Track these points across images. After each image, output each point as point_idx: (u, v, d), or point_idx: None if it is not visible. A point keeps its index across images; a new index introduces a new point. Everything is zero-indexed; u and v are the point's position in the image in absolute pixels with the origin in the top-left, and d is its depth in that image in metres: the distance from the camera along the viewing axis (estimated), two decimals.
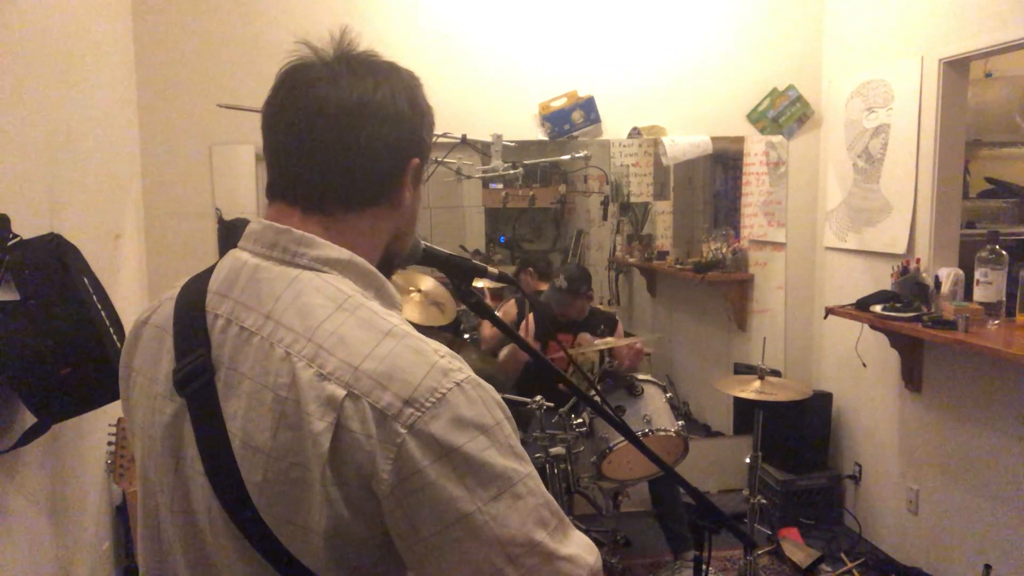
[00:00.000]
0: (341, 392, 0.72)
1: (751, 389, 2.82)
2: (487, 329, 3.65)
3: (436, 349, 0.77)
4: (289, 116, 0.83)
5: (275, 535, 0.74)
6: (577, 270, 3.46)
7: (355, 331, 0.76)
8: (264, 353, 0.76)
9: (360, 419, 0.71)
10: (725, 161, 4.17)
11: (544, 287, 3.80)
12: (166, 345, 0.84)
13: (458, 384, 0.74)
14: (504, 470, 0.73)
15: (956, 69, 3.02)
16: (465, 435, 0.72)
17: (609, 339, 3.16)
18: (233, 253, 0.86)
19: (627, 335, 3.60)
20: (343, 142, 0.82)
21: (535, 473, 0.77)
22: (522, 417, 3.56)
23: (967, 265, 2.95)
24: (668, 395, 2.94)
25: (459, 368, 0.76)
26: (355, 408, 0.72)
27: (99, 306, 1.86)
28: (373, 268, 0.85)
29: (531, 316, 3.47)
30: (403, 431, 0.71)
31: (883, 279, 3.27)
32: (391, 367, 0.73)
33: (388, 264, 0.91)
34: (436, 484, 0.71)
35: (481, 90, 3.60)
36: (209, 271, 0.86)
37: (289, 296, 0.78)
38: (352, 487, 0.72)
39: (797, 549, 3.33)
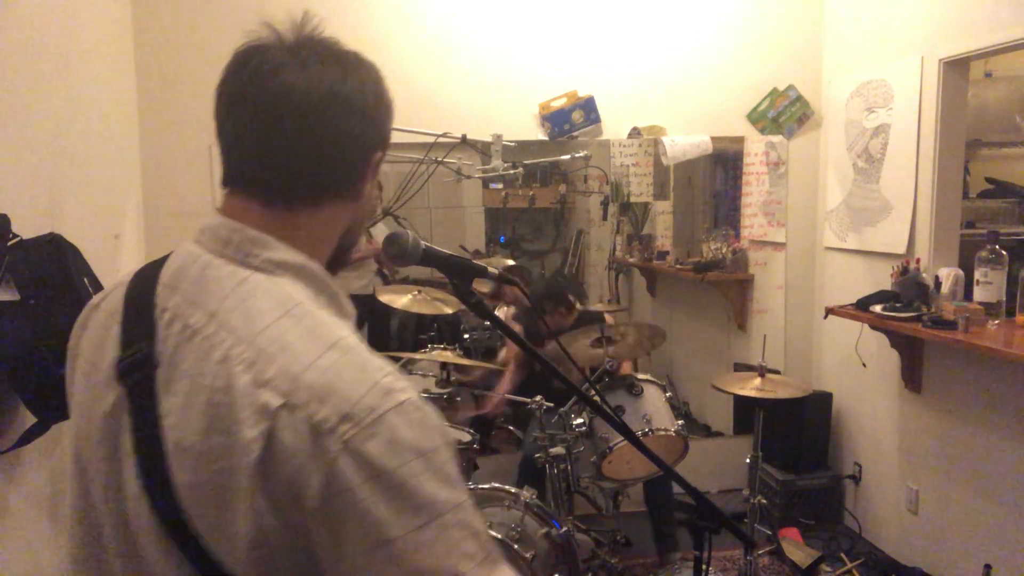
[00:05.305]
0: (277, 401, 0.70)
1: (751, 386, 2.82)
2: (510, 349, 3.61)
3: (381, 367, 0.75)
4: (252, 103, 0.79)
5: (200, 538, 0.72)
6: (545, 288, 3.33)
7: (299, 340, 0.74)
8: (203, 353, 0.75)
9: (294, 431, 0.69)
10: (725, 161, 4.17)
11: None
12: (112, 332, 0.82)
13: (399, 405, 0.72)
14: (435, 498, 0.71)
15: (956, 69, 3.02)
16: (399, 458, 0.70)
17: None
18: (186, 246, 0.84)
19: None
20: (310, 134, 0.79)
21: (469, 503, 0.75)
22: (522, 417, 3.56)
23: (967, 265, 2.95)
24: (668, 395, 2.94)
25: (403, 388, 0.74)
26: (290, 419, 0.70)
27: None
28: (327, 276, 0.83)
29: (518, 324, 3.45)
30: (336, 447, 0.69)
31: (883, 279, 3.27)
32: (332, 381, 0.71)
33: (341, 254, 0.90)
34: (364, 505, 0.69)
35: (481, 90, 3.60)
36: (163, 260, 0.85)
37: (236, 297, 0.77)
38: (280, 498, 0.70)
39: (797, 549, 3.32)
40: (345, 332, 0.77)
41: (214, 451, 0.71)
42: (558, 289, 3.39)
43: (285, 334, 0.74)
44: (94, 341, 0.85)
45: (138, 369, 0.77)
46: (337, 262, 0.89)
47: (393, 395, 0.72)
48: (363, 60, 0.87)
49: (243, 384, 0.71)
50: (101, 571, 0.83)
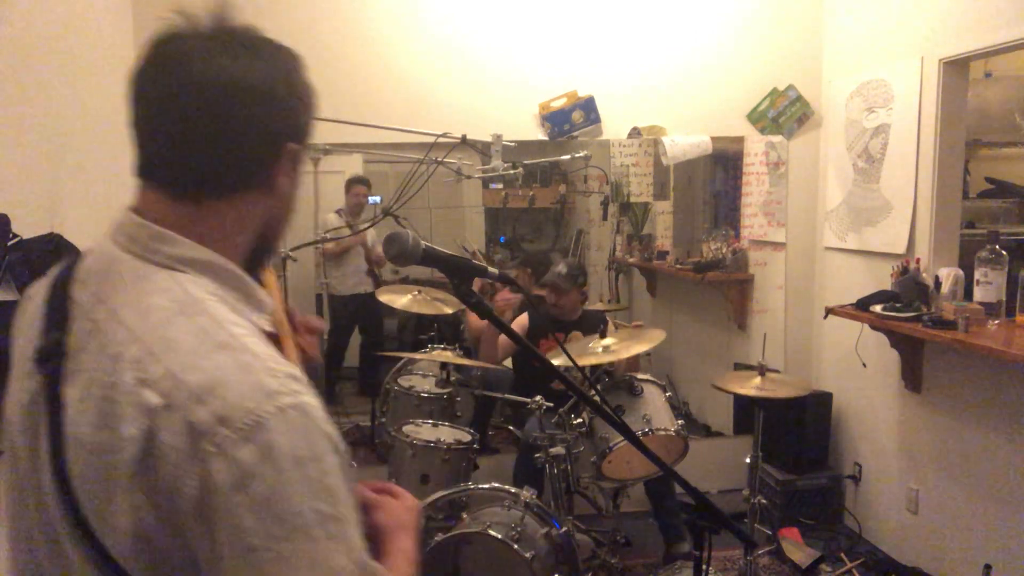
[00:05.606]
0: (157, 401, 0.70)
1: (751, 385, 2.82)
2: (474, 320, 3.67)
3: (271, 368, 0.73)
4: (157, 93, 0.80)
5: (92, 529, 0.74)
6: (577, 263, 3.48)
7: (188, 339, 0.74)
8: (100, 348, 0.76)
9: (172, 431, 0.70)
10: (725, 161, 4.17)
11: (536, 291, 3.81)
12: (37, 322, 0.84)
13: (281, 409, 0.71)
14: (305, 509, 0.70)
15: (956, 69, 3.02)
16: (272, 465, 0.69)
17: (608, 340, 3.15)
18: (101, 241, 0.85)
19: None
20: (214, 125, 0.79)
21: (347, 516, 0.74)
22: (522, 417, 3.57)
23: (967, 265, 2.95)
24: (668, 395, 2.93)
25: (291, 391, 0.72)
26: (169, 419, 0.70)
27: None
28: (237, 270, 0.83)
29: (525, 315, 3.47)
30: (211, 450, 0.68)
31: (883, 279, 3.27)
32: (213, 382, 0.71)
33: (263, 250, 0.90)
34: (231, 511, 0.68)
35: (481, 90, 3.60)
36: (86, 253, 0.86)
37: (135, 294, 0.77)
38: (158, 497, 0.70)
39: (797, 549, 3.33)
40: (242, 331, 0.76)
41: (101, 446, 0.72)
42: (584, 269, 3.53)
43: (176, 333, 0.74)
44: (25, 330, 0.87)
45: (51, 359, 0.78)
46: (259, 256, 0.89)
47: (277, 398, 0.71)
48: (279, 49, 0.85)
49: (128, 381, 0.72)
50: (32, 557, 0.84)
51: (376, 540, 0.90)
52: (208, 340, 0.74)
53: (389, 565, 0.87)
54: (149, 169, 0.83)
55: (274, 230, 0.90)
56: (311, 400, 0.74)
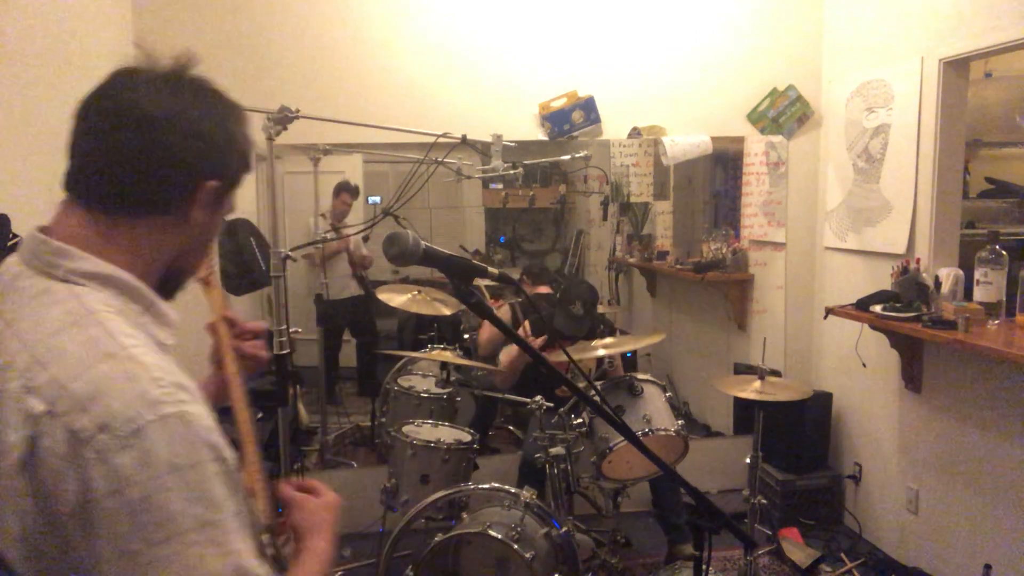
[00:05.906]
0: (41, 408, 0.73)
1: (751, 389, 2.82)
2: (485, 332, 3.66)
3: (157, 378, 0.76)
4: (94, 113, 0.85)
5: None
6: (589, 292, 3.38)
7: (77, 349, 0.76)
8: None
9: (53, 438, 0.72)
10: (725, 161, 4.17)
11: (540, 290, 3.80)
12: None
13: (162, 417, 0.73)
14: (181, 515, 0.73)
15: (956, 69, 3.02)
16: (149, 472, 0.72)
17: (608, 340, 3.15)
18: (9, 257, 0.88)
19: (622, 333, 3.61)
20: (136, 148, 0.83)
21: (228, 522, 0.76)
22: (522, 417, 3.57)
23: (967, 265, 2.95)
24: (668, 395, 2.93)
25: (175, 401, 0.75)
26: (51, 426, 0.72)
27: None
28: (139, 284, 0.86)
29: (527, 323, 3.45)
30: (91, 457, 0.71)
31: (883, 279, 3.27)
32: (97, 390, 0.73)
33: (174, 280, 0.93)
34: (109, 516, 0.71)
35: (481, 90, 3.60)
36: None
37: (33, 307, 0.80)
38: (41, 501, 0.73)
39: (797, 549, 3.33)
40: (133, 342, 0.79)
41: None
42: (595, 290, 3.44)
43: (66, 343, 0.76)
44: None
45: None
46: (172, 284, 0.93)
47: (158, 407, 0.74)
48: (222, 98, 0.92)
49: (15, 389, 0.75)
50: None
51: (294, 538, 0.95)
52: (96, 350, 0.76)
53: (300, 562, 0.92)
54: (70, 183, 0.87)
55: (187, 259, 0.94)
56: (195, 409, 0.77)
